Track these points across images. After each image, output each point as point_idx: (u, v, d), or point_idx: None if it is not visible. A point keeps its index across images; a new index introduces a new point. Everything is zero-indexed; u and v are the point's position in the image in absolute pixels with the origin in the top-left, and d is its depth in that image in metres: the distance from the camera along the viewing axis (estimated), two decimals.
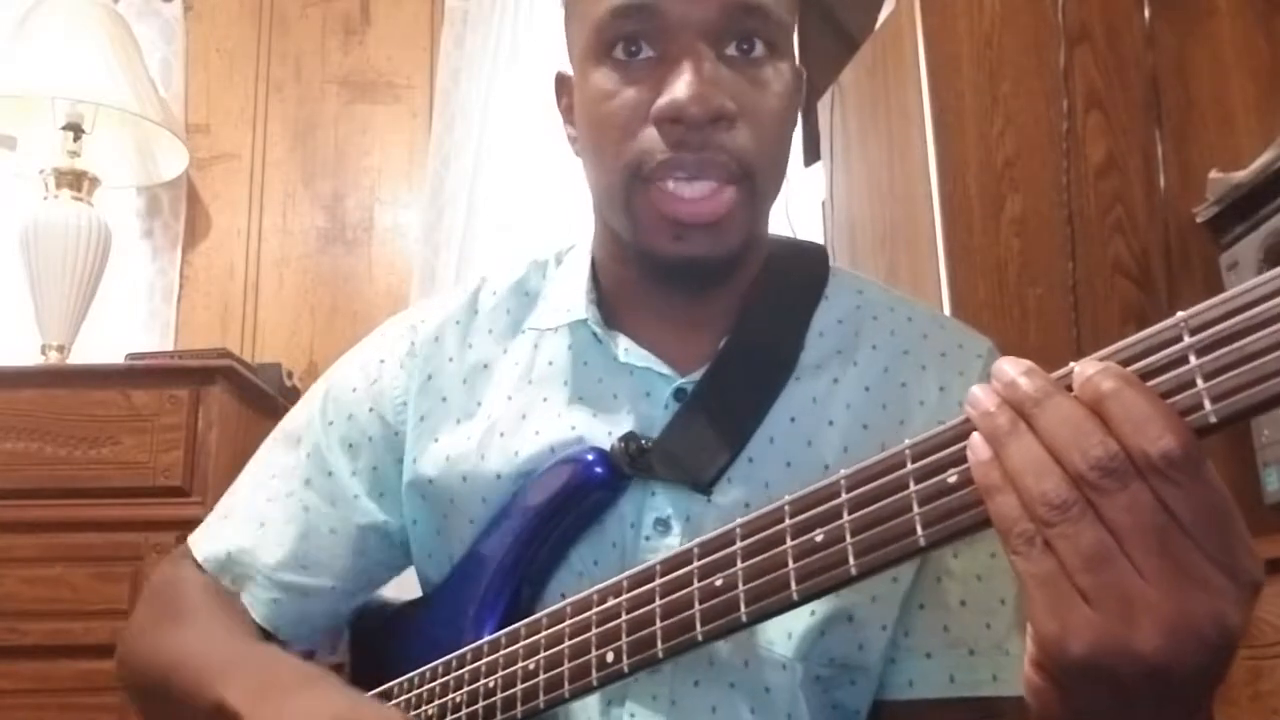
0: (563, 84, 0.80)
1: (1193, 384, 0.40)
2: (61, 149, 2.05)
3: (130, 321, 2.23)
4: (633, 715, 0.69)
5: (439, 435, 0.78)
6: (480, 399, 0.78)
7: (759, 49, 0.70)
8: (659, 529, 0.71)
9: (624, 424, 0.74)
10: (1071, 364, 0.43)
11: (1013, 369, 0.43)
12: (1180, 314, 0.40)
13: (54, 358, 1.99)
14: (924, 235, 1.49)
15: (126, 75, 2.03)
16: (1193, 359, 0.40)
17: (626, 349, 0.76)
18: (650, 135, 0.68)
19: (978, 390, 0.44)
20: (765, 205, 0.75)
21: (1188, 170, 1.45)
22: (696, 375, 0.74)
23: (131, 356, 1.91)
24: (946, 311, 1.40)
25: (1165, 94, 1.47)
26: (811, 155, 2.07)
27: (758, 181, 0.71)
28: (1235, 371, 0.39)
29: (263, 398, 2.01)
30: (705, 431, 0.71)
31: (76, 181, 2.04)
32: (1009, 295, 1.43)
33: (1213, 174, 1.40)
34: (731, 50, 0.69)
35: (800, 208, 2.09)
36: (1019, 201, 1.46)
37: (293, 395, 2.20)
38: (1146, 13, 1.49)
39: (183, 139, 2.21)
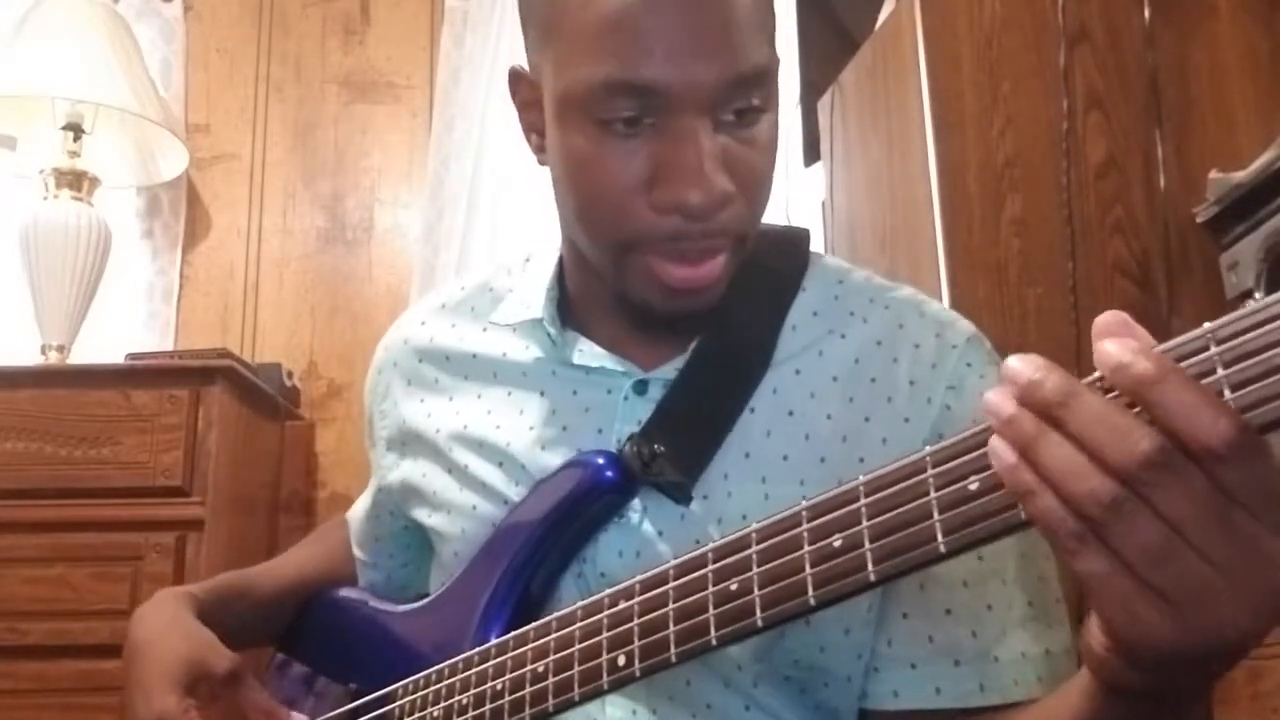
0: (519, 81, 0.75)
1: (1220, 395, 0.39)
2: (61, 149, 2.05)
3: (130, 321, 2.23)
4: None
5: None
6: (451, 393, 0.81)
7: (756, 109, 0.67)
8: (618, 520, 0.71)
9: (581, 421, 0.74)
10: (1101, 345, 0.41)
11: (1026, 368, 0.42)
12: (1207, 325, 0.40)
13: (54, 358, 1.99)
14: (924, 235, 1.49)
15: (126, 75, 2.03)
16: (1220, 370, 0.39)
17: (582, 350, 0.76)
18: (648, 219, 0.66)
19: (993, 396, 0.43)
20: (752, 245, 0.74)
21: (1188, 170, 1.45)
22: (663, 369, 0.74)
23: (131, 356, 1.91)
24: None
25: (1165, 94, 1.47)
26: (811, 155, 2.07)
27: (750, 239, 0.71)
28: (1263, 383, 0.38)
29: (263, 398, 2.01)
30: (682, 438, 0.71)
31: (76, 181, 2.04)
32: (1009, 295, 1.43)
33: (1213, 174, 1.40)
34: (730, 115, 0.66)
35: (800, 208, 2.09)
36: (1019, 201, 1.46)
37: (293, 395, 2.20)
38: (1147, 13, 1.49)
39: (183, 139, 2.21)
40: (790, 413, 0.72)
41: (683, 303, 0.70)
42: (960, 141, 1.48)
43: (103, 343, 2.11)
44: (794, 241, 0.81)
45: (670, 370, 0.74)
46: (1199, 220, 1.42)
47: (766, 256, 0.78)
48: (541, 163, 0.75)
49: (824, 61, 1.99)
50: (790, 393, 0.73)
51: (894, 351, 0.74)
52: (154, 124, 2.09)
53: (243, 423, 1.90)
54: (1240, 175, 1.35)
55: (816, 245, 0.84)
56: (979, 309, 1.42)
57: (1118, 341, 0.40)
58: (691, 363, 0.73)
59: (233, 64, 2.43)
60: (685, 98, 0.64)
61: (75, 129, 2.05)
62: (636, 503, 0.71)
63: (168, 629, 0.79)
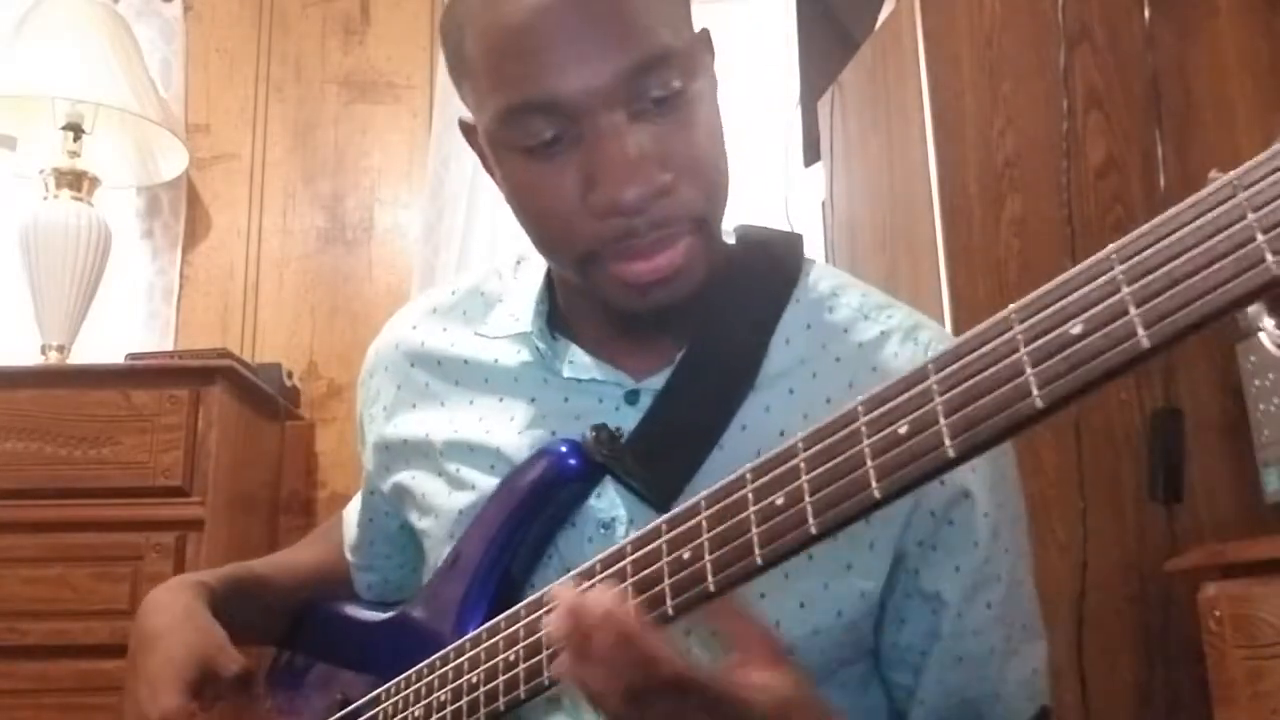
0: (468, 131, 0.76)
1: (1125, 312, 0.40)
2: (61, 149, 2.05)
3: (130, 321, 2.23)
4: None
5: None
6: (442, 399, 0.81)
7: (672, 88, 0.66)
8: (603, 530, 0.71)
9: (572, 428, 0.74)
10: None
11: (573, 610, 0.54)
12: (1110, 245, 0.42)
13: (54, 358, 1.99)
14: (924, 235, 1.49)
15: (126, 75, 2.03)
16: (1125, 288, 0.40)
17: (572, 361, 0.76)
18: (593, 227, 0.66)
19: (558, 616, 0.55)
20: (719, 227, 0.73)
21: (1188, 170, 1.45)
22: (653, 379, 0.74)
23: (131, 356, 1.91)
24: (946, 313, 1.40)
25: (1165, 94, 1.47)
26: (811, 155, 2.07)
27: (711, 220, 0.70)
28: (1165, 295, 0.39)
29: (263, 398, 2.01)
30: (665, 448, 0.71)
31: (76, 181, 2.04)
32: (1009, 296, 1.42)
33: (1213, 174, 1.39)
34: (644, 103, 0.65)
35: (800, 208, 2.09)
36: (1019, 202, 1.46)
37: (293, 395, 2.20)
38: (1147, 13, 1.49)
39: (183, 139, 2.21)
40: (782, 433, 0.71)
41: (658, 296, 0.68)
42: (960, 141, 1.48)
43: (103, 343, 2.11)
44: (785, 247, 0.80)
45: (660, 379, 0.73)
46: None
47: (756, 263, 0.77)
48: (507, 198, 0.75)
49: (824, 61, 2.00)
50: (783, 412, 0.72)
51: (888, 382, 0.73)
52: (154, 124, 2.09)
53: (243, 423, 1.90)
54: None
55: (817, 245, 0.83)
56: (979, 309, 1.41)
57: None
58: (678, 372, 0.73)
59: (233, 64, 2.43)
60: (590, 100, 0.64)
61: (75, 129, 2.05)
62: (623, 514, 0.71)
63: (180, 622, 0.79)
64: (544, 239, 0.71)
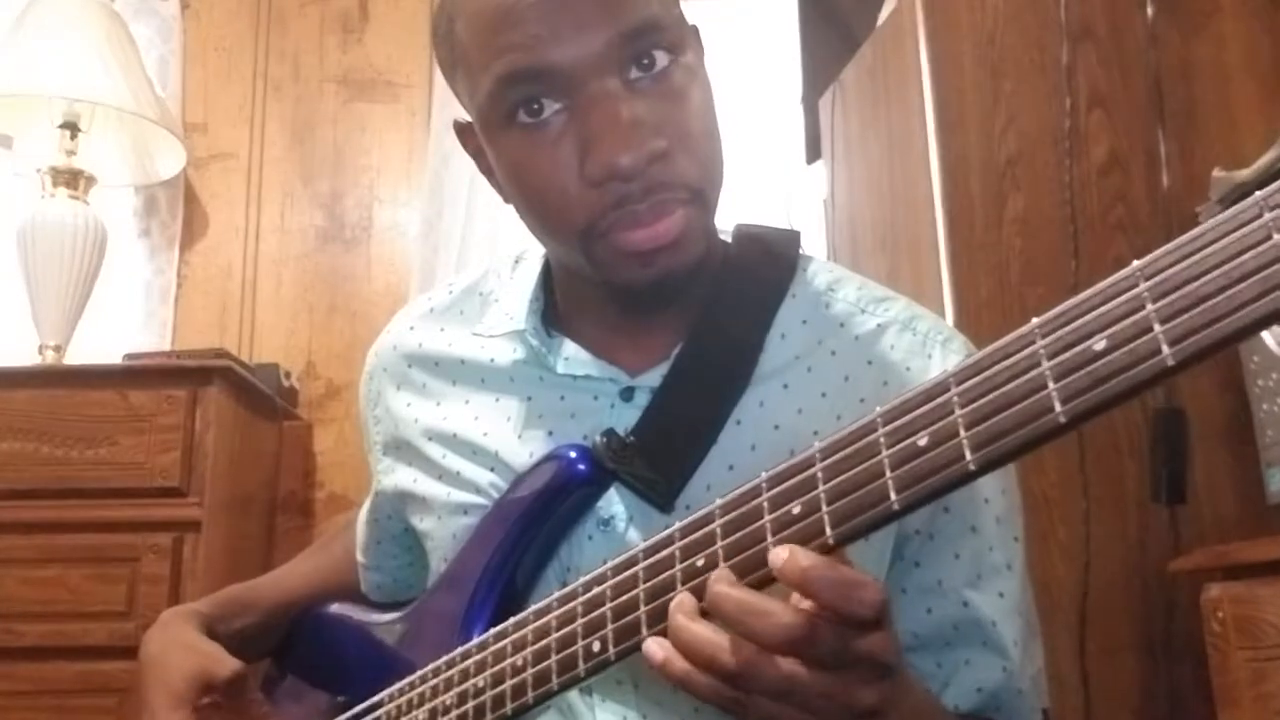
0: (463, 131, 0.76)
1: (1149, 329, 0.40)
2: (58, 148, 2.04)
3: (127, 321, 2.23)
4: (602, 699, 0.70)
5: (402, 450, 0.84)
6: (439, 399, 0.81)
7: (662, 59, 0.66)
8: (603, 528, 0.71)
9: (568, 427, 0.74)
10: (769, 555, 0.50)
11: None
12: (1136, 262, 0.42)
13: (51, 358, 1.98)
14: (926, 234, 1.48)
15: (124, 74, 2.03)
16: (1149, 305, 0.41)
17: (567, 358, 0.75)
18: (591, 197, 0.66)
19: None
20: (715, 207, 0.73)
21: (1191, 169, 1.44)
22: (648, 376, 0.73)
23: (129, 356, 1.91)
24: (948, 312, 1.40)
25: (1168, 92, 1.47)
26: (813, 154, 2.06)
27: (707, 194, 0.69)
28: (1190, 313, 0.39)
29: (260, 398, 2.00)
30: (666, 446, 0.70)
31: (73, 180, 2.03)
32: (1011, 295, 1.43)
33: (1216, 173, 1.39)
34: (635, 72, 0.66)
35: (801, 207, 2.09)
36: (1021, 200, 1.46)
37: (290, 395, 2.19)
38: (1150, 11, 1.48)
39: (180, 138, 2.20)
40: (776, 427, 0.71)
41: (660, 265, 0.67)
42: (962, 140, 1.48)
43: (100, 343, 2.10)
44: (782, 244, 0.79)
45: (656, 376, 0.73)
46: (1202, 219, 1.41)
47: (752, 259, 0.77)
48: (505, 200, 0.74)
49: (825, 59, 1.99)
50: (777, 407, 0.72)
51: (884, 374, 0.73)
52: (151, 123, 2.08)
53: (240, 423, 1.89)
54: (1243, 174, 1.34)
55: (818, 244, 0.83)
56: (980, 308, 1.41)
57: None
58: (674, 369, 0.73)
59: (230, 62, 2.42)
60: (583, 68, 0.64)
61: (72, 127, 2.04)
62: (621, 511, 0.71)
63: (171, 647, 0.80)
64: (544, 217, 0.70)
